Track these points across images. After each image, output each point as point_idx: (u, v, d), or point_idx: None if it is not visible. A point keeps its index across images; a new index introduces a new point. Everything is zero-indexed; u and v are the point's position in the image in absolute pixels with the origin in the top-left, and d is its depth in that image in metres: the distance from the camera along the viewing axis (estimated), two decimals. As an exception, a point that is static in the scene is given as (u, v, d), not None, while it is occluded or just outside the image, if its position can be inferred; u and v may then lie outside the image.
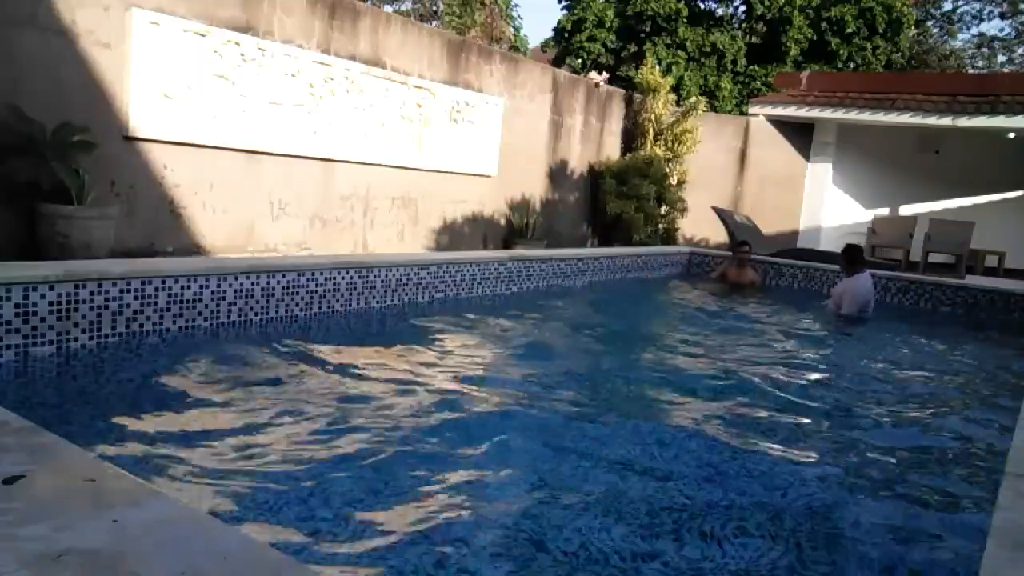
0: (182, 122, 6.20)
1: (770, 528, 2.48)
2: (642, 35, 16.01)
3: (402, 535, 2.22)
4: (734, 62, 16.05)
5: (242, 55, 6.58)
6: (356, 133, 7.80)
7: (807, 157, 13.66)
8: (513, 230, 10.14)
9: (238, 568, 1.30)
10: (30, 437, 1.79)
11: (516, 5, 23.22)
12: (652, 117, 12.04)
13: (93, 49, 5.61)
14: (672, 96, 12.41)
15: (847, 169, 13.64)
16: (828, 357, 5.79)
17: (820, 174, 13.61)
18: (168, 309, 4.06)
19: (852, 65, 16.19)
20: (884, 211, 13.48)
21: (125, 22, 5.74)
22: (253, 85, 6.70)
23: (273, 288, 4.65)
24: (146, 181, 6.09)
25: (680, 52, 15.75)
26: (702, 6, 16.88)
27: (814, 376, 4.94)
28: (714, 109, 14.76)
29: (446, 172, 9.05)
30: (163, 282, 4.02)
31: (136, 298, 3.90)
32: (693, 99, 12.58)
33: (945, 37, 25.72)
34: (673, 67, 15.49)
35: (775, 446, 3.33)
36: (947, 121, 11.81)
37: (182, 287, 4.12)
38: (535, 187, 10.80)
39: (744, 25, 17.22)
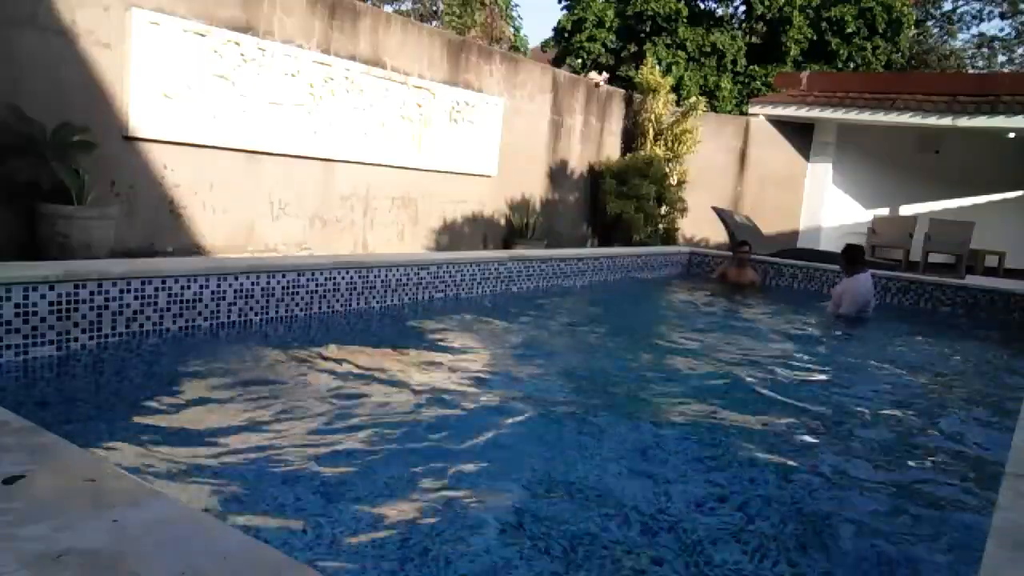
0: (182, 122, 6.20)
1: (769, 528, 2.48)
2: (642, 35, 16.01)
3: (402, 534, 2.22)
4: (734, 62, 16.05)
5: (242, 55, 6.58)
6: (356, 133, 7.80)
7: (807, 157, 13.66)
8: (513, 230, 10.14)
9: (238, 568, 1.30)
10: (30, 437, 1.79)
11: (516, 5, 23.24)
12: (652, 117, 12.04)
13: (93, 49, 5.61)
14: (672, 96, 12.41)
15: (847, 169, 13.64)
16: (828, 357, 5.79)
17: (820, 174, 13.62)
18: (168, 309, 4.06)
19: (852, 65, 16.19)
20: (884, 211, 13.48)
21: (125, 22, 5.74)
22: (253, 85, 6.70)
23: (273, 288, 4.65)
24: (146, 181, 6.09)
25: (680, 52, 15.75)
26: (702, 6, 16.88)
27: (814, 376, 4.94)
28: (714, 109, 14.76)
29: (446, 172, 9.05)
30: (163, 282, 4.02)
31: (136, 298, 3.90)
32: (693, 99, 12.58)
33: (945, 37, 25.72)
34: (673, 67, 15.49)
35: (773, 446, 3.33)
36: (947, 121, 11.81)
37: (182, 287, 4.12)
38: (535, 187, 10.80)
39: (744, 25, 17.22)
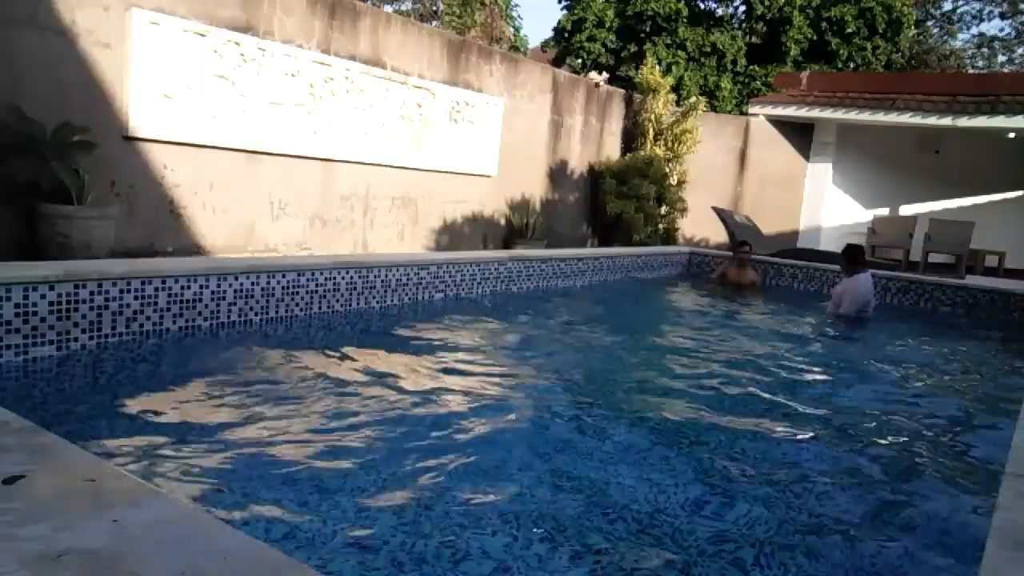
0: (182, 122, 6.20)
1: (767, 529, 2.48)
2: (642, 35, 16.01)
3: (402, 532, 2.22)
4: (734, 62, 16.06)
5: (242, 55, 6.58)
6: (356, 133, 7.80)
7: (807, 157, 13.66)
8: (513, 230, 10.14)
9: (238, 568, 1.30)
10: (30, 437, 1.79)
11: (516, 5, 23.24)
12: (652, 117, 12.04)
13: (93, 49, 5.61)
14: (672, 96, 12.42)
15: (847, 169, 13.64)
16: (827, 357, 5.79)
17: (820, 174, 13.62)
18: (168, 309, 4.06)
19: (852, 65, 16.20)
20: (884, 211, 13.48)
21: (125, 22, 5.74)
22: (253, 85, 6.70)
23: (273, 288, 4.65)
24: (146, 181, 6.09)
25: (680, 52, 15.76)
26: (702, 6, 16.88)
27: (813, 376, 4.94)
28: (714, 109, 14.76)
29: (446, 172, 9.05)
30: (163, 282, 4.02)
31: (136, 298, 3.90)
32: (693, 99, 12.58)
33: (945, 37, 25.72)
34: (673, 67, 15.49)
35: (772, 446, 3.33)
36: (947, 121, 11.81)
37: (182, 287, 4.12)
38: (535, 187, 10.80)
39: (744, 25, 17.22)
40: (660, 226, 11.86)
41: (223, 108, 6.49)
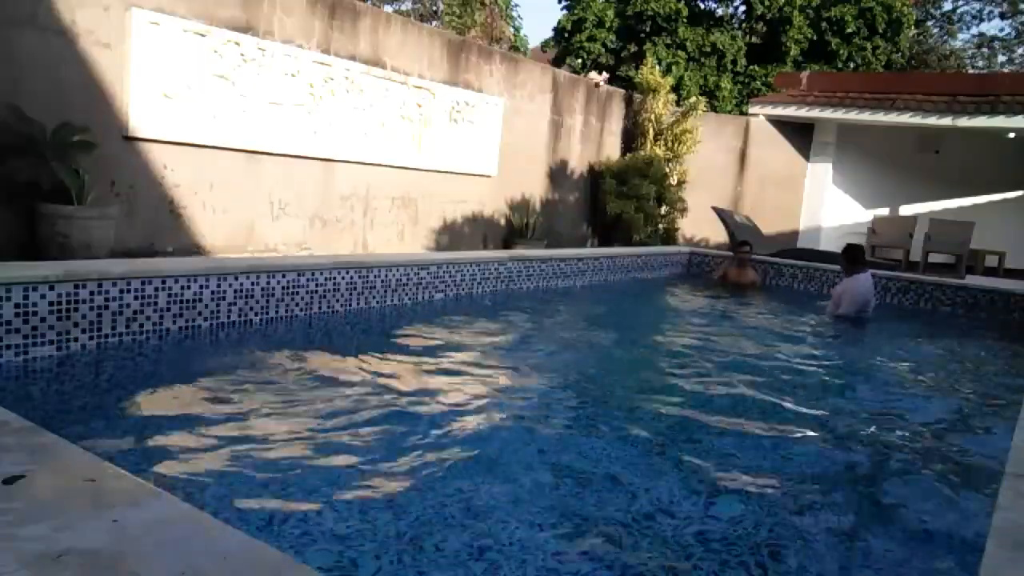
0: (182, 122, 6.20)
1: (767, 528, 2.48)
2: (642, 35, 16.01)
3: (402, 531, 2.22)
4: (734, 62, 16.05)
5: (242, 55, 6.58)
6: (356, 133, 7.80)
7: (807, 157, 13.66)
8: (513, 230, 10.14)
9: (238, 568, 1.30)
10: (30, 437, 1.80)
11: (516, 5, 23.24)
12: (652, 117, 12.04)
13: (93, 49, 5.61)
14: (672, 96, 12.42)
15: (847, 169, 13.64)
16: (827, 357, 5.79)
17: (820, 174, 13.62)
18: (168, 309, 4.06)
19: (852, 65, 16.19)
20: (884, 211, 13.48)
21: (125, 22, 5.74)
22: (253, 85, 6.70)
23: (273, 288, 4.65)
24: (146, 181, 6.09)
25: (680, 52, 15.75)
26: (702, 6, 16.88)
27: (813, 376, 4.94)
28: (714, 109, 14.76)
29: (446, 172, 9.05)
30: (163, 282, 4.02)
31: (136, 298, 3.90)
32: (693, 99, 12.58)
33: (945, 37, 25.72)
34: (673, 67, 15.49)
35: (772, 446, 3.33)
36: (947, 121, 11.81)
37: (182, 287, 4.12)
38: (535, 187, 10.80)
39: (744, 25, 17.22)
40: (660, 226, 11.86)
41: (223, 108, 6.49)
